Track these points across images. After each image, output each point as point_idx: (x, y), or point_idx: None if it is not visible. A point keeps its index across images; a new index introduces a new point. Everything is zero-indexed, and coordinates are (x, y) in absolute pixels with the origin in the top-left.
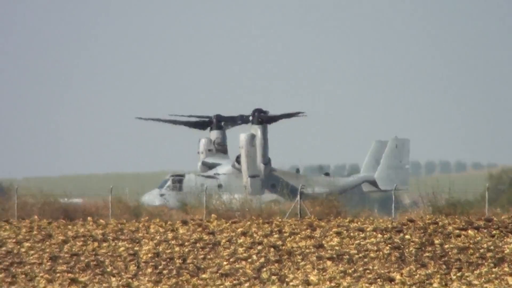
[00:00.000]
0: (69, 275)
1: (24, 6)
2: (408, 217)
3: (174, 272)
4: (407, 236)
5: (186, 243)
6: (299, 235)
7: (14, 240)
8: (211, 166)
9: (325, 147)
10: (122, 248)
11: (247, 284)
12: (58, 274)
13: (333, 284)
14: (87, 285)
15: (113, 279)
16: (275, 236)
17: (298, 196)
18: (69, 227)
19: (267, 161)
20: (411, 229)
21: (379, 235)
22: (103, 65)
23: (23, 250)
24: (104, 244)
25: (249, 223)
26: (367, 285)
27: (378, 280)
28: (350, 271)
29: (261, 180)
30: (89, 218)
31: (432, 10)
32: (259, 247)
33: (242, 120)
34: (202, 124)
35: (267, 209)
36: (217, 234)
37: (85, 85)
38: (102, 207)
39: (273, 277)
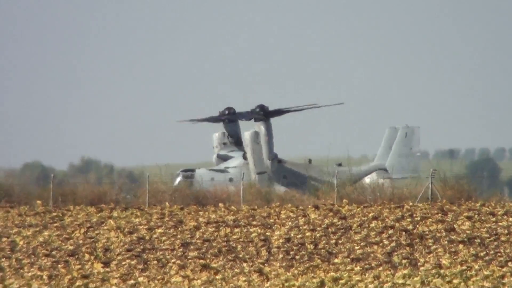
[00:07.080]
0: (201, 261)
1: None
2: None
3: (306, 257)
4: None
5: (318, 228)
6: (430, 219)
7: (146, 227)
8: (225, 159)
9: (339, 137)
10: (254, 234)
11: (379, 269)
12: (190, 260)
13: (464, 267)
14: (219, 271)
15: (245, 264)
16: (407, 220)
17: (430, 180)
18: (201, 213)
19: (273, 157)
20: None
21: (510, 219)
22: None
23: (155, 236)
24: (236, 230)
25: (380, 207)
26: (498, 268)
27: (509, 263)
28: (481, 254)
29: (269, 176)
30: (220, 204)
31: None
32: (391, 231)
33: (252, 115)
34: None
35: (398, 193)
36: (348, 218)
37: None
38: (233, 194)
39: (405, 261)
